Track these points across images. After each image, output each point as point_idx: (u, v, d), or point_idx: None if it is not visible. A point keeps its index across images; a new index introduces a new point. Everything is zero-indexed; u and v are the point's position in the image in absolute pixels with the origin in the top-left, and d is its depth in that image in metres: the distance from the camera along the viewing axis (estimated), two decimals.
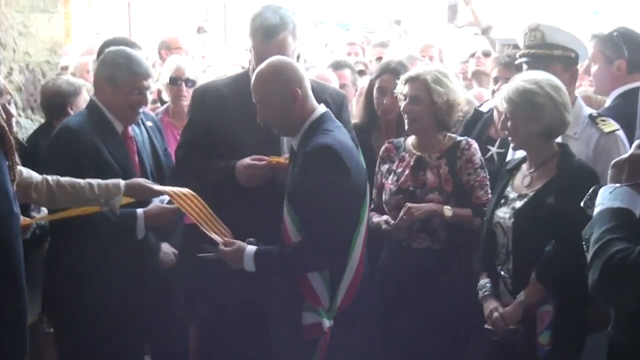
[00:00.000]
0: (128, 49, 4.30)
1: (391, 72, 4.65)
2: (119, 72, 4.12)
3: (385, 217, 4.16)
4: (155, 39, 7.59)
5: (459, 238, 4.12)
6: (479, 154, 4.20)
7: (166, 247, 4.34)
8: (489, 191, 4.10)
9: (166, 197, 4.02)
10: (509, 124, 3.76)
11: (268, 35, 3.97)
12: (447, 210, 4.08)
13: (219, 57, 8.88)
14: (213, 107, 4.10)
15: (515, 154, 4.11)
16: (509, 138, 3.83)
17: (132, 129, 4.28)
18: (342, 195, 3.53)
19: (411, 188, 4.13)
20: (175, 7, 15.39)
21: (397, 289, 4.12)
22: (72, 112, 4.75)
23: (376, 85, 4.73)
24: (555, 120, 3.71)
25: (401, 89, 4.22)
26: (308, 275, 3.62)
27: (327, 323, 3.61)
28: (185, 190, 3.85)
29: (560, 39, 4.21)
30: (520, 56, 4.30)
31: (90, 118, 4.15)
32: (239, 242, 3.67)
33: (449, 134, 4.26)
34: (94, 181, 3.81)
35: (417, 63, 5.24)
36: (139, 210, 4.07)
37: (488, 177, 4.16)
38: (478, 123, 4.77)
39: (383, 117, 4.69)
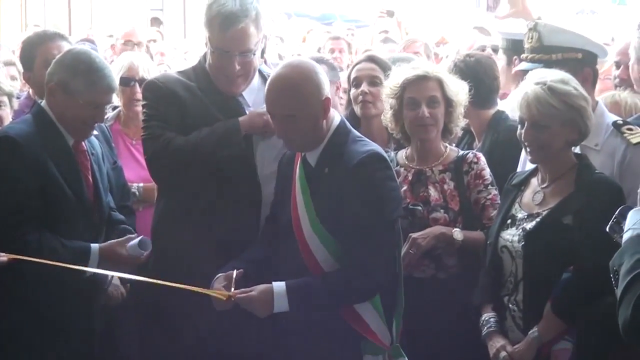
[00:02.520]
0: (93, 54, 4.28)
1: (367, 60, 4.75)
2: (75, 80, 4.10)
3: None
4: (103, 31, 7.65)
5: (469, 265, 4.14)
6: (488, 169, 4.28)
7: (115, 280, 4.39)
8: None
9: (137, 240, 4.11)
10: (540, 134, 3.76)
11: (226, 24, 4.01)
12: (458, 234, 4.13)
13: (178, 54, 8.97)
14: (174, 110, 4.11)
15: (526, 165, 4.15)
16: (529, 149, 3.83)
17: (88, 141, 4.27)
18: (398, 206, 3.72)
19: (411, 206, 4.20)
20: None
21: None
22: None
23: (352, 77, 4.78)
24: (590, 125, 3.77)
25: (395, 91, 4.26)
26: (358, 310, 3.66)
27: None
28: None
29: (561, 39, 4.28)
30: (524, 60, 4.39)
31: (35, 126, 4.13)
32: (258, 286, 3.62)
33: (449, 145, 4.35)
34: None
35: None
36: (94, 247, 4.10)
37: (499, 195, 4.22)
38: (466, 134, 4.84)
39: (363, 114, 4.71)
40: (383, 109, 4.44)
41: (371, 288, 3.66)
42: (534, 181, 3.91)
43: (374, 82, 4.62)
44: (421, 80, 4.23)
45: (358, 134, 3.84)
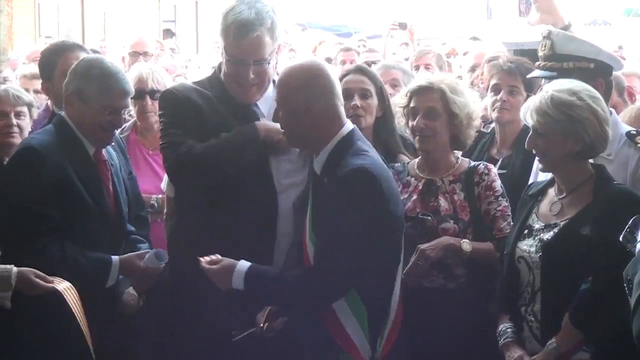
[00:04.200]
0: (105, 60, 4.33)
1: (356, 71, 4.74)
2: (89, 86, 4.14)
3: None
4: (116, 43, 7.68)
5: (478, 276, 4.15)
6: (499, 181, 4.27)
7: (131, 289, 4.39)
8: (512, 223, 4.14)
9: (153, 252, 4.13)
10: (539, 142, 3.80)
11: (242, 32, 4.03)
12: (466, 245, 4.12)
13: (191, 66, 8.99)
14: (191, 118, 4.12)
15: (538, 176, 4.15)
16: (537, 158, 3.88)
17: (106, 151, 4.30)
18: (375, 224, 3.62)
19: (420, 216, 4.19)
20: (137, 6, 15.49)
21: (406, 334, 4.09)
22: None
23: (342, 88, 4.80)
24: (597, 138, 3.75)
25: (403, 101, 4.28)
26: (341, 319, 3.66)
27: None
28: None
29: (573, 48, 4.27)
30: (537, 67, 4.40)
31: (57, 136, 4.16)
32: (227, 259, 3.72)
33: (460, 156, 4.34)
34: None
35: (393, 73, 5.39)
36: (114, 259, 4.12)
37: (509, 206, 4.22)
38: (479, 142, 4.84)
39: (359, 126, 4.66)
40: (373, 121, 4.52)
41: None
42: (551, 192, 3.90)
43: (365, 94, 4.59)
44: (423, 90, 4.25)
45: (364, 147, 3.79)
